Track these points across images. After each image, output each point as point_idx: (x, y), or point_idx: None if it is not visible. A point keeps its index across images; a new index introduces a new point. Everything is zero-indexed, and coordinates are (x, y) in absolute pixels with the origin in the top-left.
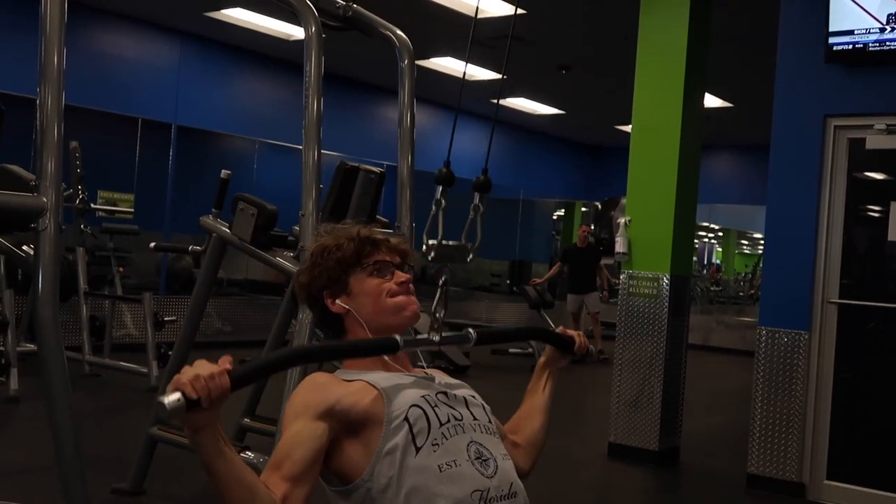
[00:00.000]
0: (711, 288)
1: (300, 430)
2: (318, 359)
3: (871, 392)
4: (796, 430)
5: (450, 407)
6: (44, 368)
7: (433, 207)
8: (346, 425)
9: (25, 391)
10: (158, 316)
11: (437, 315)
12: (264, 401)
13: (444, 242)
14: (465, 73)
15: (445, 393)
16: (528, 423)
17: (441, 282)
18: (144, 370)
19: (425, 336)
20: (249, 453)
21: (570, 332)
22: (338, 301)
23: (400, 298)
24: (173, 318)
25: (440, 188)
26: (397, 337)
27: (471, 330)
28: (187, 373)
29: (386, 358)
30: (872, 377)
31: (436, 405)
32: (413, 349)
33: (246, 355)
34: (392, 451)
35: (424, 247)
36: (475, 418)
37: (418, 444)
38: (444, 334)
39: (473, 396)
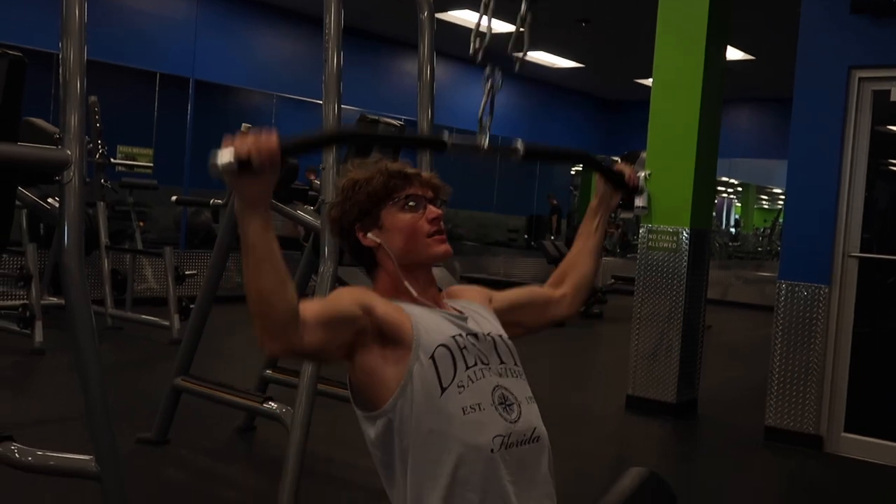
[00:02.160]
0: (730, 243)
1: (342, 298)
2: (366, 141)
3: (891, 346)
4: (815, 383)
5: (478, 350)
6: (71, 318)
7: None
8: (378, 329)
9: (50, 343)
10: (179, 270)
11: (484, 121)
12: None
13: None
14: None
15: (476, 335)
16: (578, 268)
17: (489, 85)
18: (166, 323)
19: (474, 142)
20: (273, 404)
21: (620, 166)
22: (369, 235)
23: (434, 238)
24: (194, 272)
25: None
26: (446, 134)
27: (520, 141)
28: (235, 138)
29: (415, 294)
30: (891, 330)
31: (464, 347)
32: (461, 152)
33: None
34: (417, 388)
35: (474, 34)
36: (502, 361)
37: (444, 385)
38: (491, 144)
39: (501, 336)
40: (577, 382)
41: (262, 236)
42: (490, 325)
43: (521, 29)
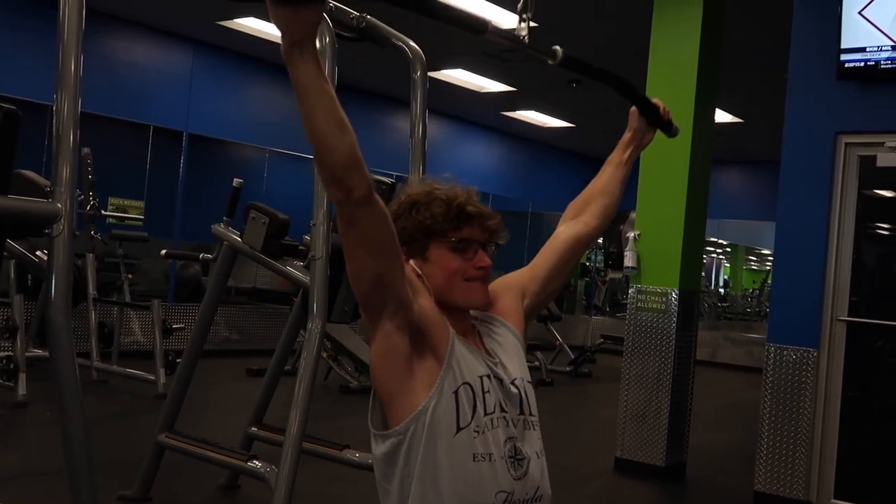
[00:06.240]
0: (719, 304)
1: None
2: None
3: (880, 410)
4: (804, 447)
5: (500, 397)
6: (56, 373)
7: None
8: (416, 322)
9: (33, 396)
10: (167, 323)
11: (525, 16)
12: (271, 409)
13: None
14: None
15: (501, 380)
16: (606, 195)
17: None
18: (152, 377)
19: (514, 30)
20: (257, 462)
21: (656, 100)
22: (412, 262)
23: (474, 285)
24: (181, 325)
25: None
26: (488, 19)
27: (558, 48)
28: None
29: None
30: (881, 395)
31: (487, 391)
32: (498, 41)
33: (254, 364)
34: (433, 419)
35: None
36: (521, 412)
37: (461, 425)
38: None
39: (523, 382)
40: (565, 443)
41: (311, 76)
42: (516, 368)
43: None
